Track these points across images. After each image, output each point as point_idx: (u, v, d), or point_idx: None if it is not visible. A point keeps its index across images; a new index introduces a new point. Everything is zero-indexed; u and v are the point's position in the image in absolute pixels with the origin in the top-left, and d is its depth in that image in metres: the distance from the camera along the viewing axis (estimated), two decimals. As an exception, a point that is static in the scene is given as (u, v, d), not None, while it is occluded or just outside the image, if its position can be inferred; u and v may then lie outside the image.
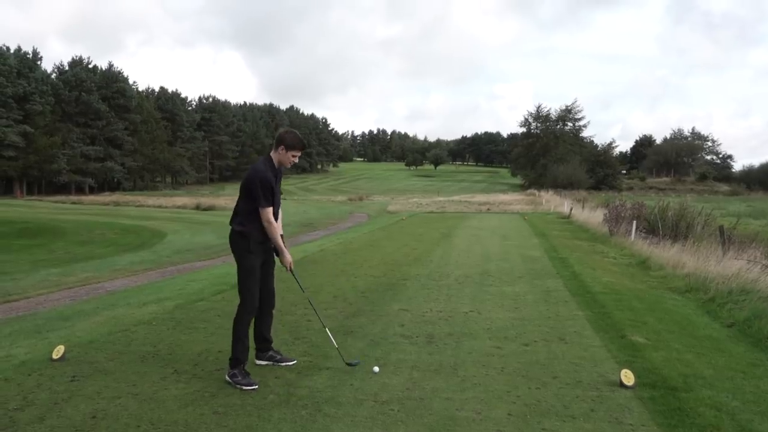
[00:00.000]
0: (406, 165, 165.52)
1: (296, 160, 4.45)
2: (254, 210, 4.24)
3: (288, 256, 4.43)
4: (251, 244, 4.28)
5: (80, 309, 7.43)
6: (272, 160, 4.37)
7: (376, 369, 4.44)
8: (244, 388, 4.08)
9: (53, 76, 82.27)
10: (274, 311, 4.66)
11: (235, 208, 4.39)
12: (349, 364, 4.51)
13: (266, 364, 4.59)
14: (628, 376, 4.22)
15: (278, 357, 4.67)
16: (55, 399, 3.82)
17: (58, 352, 4.68)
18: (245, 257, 4.29)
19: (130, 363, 4.62)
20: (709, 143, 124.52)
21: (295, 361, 4.68)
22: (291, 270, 4.50)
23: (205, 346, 5.15)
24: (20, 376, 4.28)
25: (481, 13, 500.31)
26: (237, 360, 4.22)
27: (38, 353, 4.89)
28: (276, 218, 4.35)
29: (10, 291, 10.85)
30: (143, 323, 6.03)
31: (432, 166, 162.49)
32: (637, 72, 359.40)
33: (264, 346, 4.64)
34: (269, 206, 4.26)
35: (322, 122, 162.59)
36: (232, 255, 4.42)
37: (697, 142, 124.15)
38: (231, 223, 4.39)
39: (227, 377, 4.21)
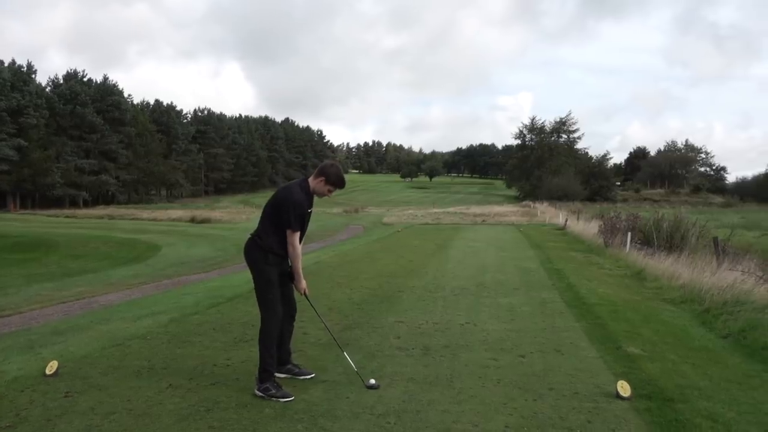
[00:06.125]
0: (401, 177, 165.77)
1: (330, 195, 4.45)
2: (279, 228, 4.25)
3: (303, 282, 4.43)
4: (269, 257, 4.27)
5: (74, 324, 7.37)
6: (308, 186, 4.36)
7: (373, 381, 4.42)
8: (281, 400, 4.05)
9: (48, 89, 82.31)
10: (294, 322, 4.66)
11: (260, 222, 4.36)
12: (369, 387, 4.36)
13: (284, 377, 4.54)
14: (624, 388, 4.22)
15: (296, 370, 4.63)
16: (49, 415, 3.78)
17: (52, 367, 4.64)
18: (263, 269, 4.28)
19: (125, 378, 4.58)
20: (703, 155, 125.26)
21: (313, 374, 4.63)
22: (306, 295, 4.50)
23: (201, 360, 5.12)
24: (13, 393, 4.23)
25: (487, 24, 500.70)
26: (268, 372, 4.19)
27: (31, 369, 4.84)
28: (300, 241, 4.36)
29: (2, 306, 10.78)
30: (138, 337, 5.98)
31: (427, 178, 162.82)
32: (640, 84, 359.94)
33: (284, 358, 4.59)
34: (298, 230, 4.26)
35: (318, 134, 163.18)
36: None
37: (690, 154, 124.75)
38: (251, 234, 4.37)
39: (258, 391, 4.15)
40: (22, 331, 7.59)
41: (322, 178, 4.33)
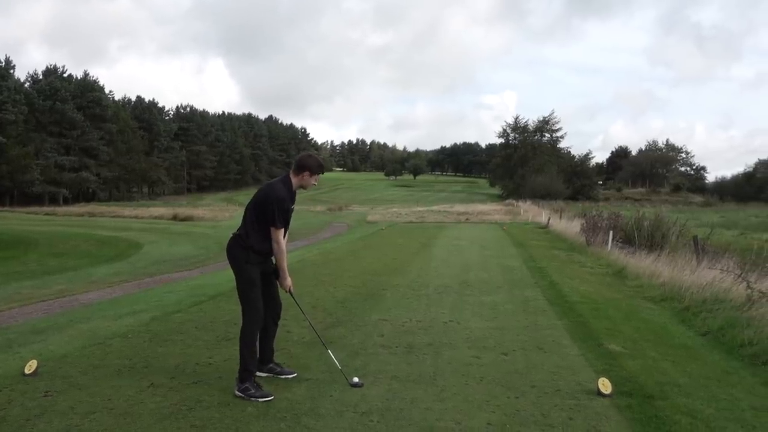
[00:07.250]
0: (385, 175, 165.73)
1: (316, 184, 4.49)
2: (262, 226, 4.23)
3: (288, 280, 4.42)
4: (250, 255, 4.25)
5: (54, 322, 7.27)
6: (290, 182, 4.36)
7: (356, 379, 4.42)
8: (260, 400, 4.02)
9: (27, 85, 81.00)
10: (279, 321, 4.63)
11: (242, 221, 4.34)
12: (352, 386, 4.36)
13: (266, 376, 4.52)
14: (605, 385, 4.27)
15: (278, 369, 4.60)
16: (28, 415, 3.73)
17: (31, 366, 4.57)
18: (244, 268, 4.25)
19: (105, 377, 4.53)
20: (683, 155, 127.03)
21: (295, 374, 4.61)
22: (290, 293, 4.49)
23: (183, 358, 5.08)
24: (-9, 392, 4.17)
25: (473, 22, 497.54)
26: (248, 372, 4.16)
27: (10, 368, 4.77)
28: (284, 238, 4.34)
29: (-20, 304, 10.58)
30: (119, 336, 5.92)
31: (411, 176, 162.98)
32: (624, 84, 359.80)
33: (267, 357, 4.57)
34: (282, 227, 4.24)
35: (302, 132, 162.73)
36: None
37: (671, 153, 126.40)
38: (234, 233, 4.35)
39: (237, 392, 4.12)
40: (1, 329, 7.45)
41: (306, 172, 4.34)
